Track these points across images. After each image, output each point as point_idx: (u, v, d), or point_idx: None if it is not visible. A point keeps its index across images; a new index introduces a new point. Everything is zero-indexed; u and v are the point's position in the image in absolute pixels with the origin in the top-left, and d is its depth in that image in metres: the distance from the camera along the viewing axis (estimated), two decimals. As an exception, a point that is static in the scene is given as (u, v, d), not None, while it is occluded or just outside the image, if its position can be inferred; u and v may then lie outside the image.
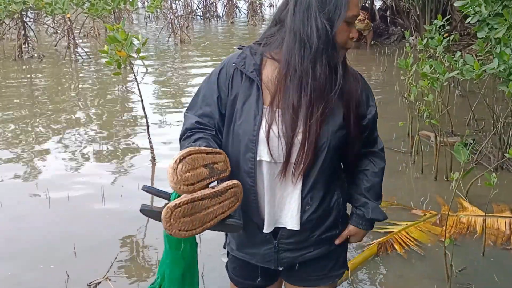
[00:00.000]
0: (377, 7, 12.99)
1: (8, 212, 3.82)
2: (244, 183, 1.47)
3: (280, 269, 1.62)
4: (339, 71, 1.46)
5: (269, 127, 1.44)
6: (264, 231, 1.52)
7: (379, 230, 3.39)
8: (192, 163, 1.31)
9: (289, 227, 1.51)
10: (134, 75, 4.93)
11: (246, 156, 1.47)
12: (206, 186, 1.34)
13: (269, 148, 1.45)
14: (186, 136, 1.54)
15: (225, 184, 1.37)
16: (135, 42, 4.71)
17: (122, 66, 4.62)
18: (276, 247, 1.55)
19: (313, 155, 1.44)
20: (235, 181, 1.40)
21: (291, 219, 1.50)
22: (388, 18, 11.95)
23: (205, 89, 1.57)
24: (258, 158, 1.47)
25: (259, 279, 1.68)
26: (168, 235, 1.36)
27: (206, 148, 1.39)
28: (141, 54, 4.66)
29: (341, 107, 1.48)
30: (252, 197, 1.50)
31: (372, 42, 10.80)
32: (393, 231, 3.38)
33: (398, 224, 3.47)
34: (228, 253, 1.74)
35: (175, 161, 1.29)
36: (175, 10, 14.70)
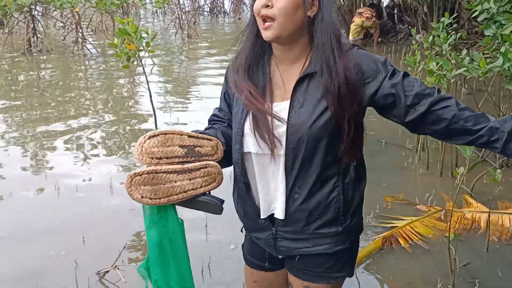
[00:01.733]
0: (385, 4, 12.96)
1: (17, 202, 3.87)
2: (236, 172, 1.57)
3: (280, 257, 1.65)
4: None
5: (255, 119, 1.47)
6: (261, 217, 1.57)
7: (384, 225, 3.42)
8: (164, 141, 1.41)
9: (275, 215, 1.55)
10: (143, 68, 4.96)
11: (235, 147, 1.55)
12: (178, 164, 1.43)
13: (256, 140, 1.48)
14: (205, 127, 1.65)
15: (198, 163, 1.45)
16: (144, 36, 4.74)
17: (132, 59, 4.67)
18: (274, 234, 1.58)
19: (295, 147, 1.45)
20: (210, 162, 1.47)
21: (278, 208, 1.54)
22: (396, 16, 11.93)
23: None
24: (246, 150, 1.52)
25: (266, 263, 1.72)
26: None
27: (191, 132, 1.47)
28: (149, 48, 4.71)
29: (320, 96, 1.44)
30: (241, 185, 1.58)
31: (379, 39, 10.79)
32: (398, 226, 3.40)
33: (403, 219, 3.50)
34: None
35: (144, 137, 1.40)
36: (182, 6, 14.74)
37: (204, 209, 1.52)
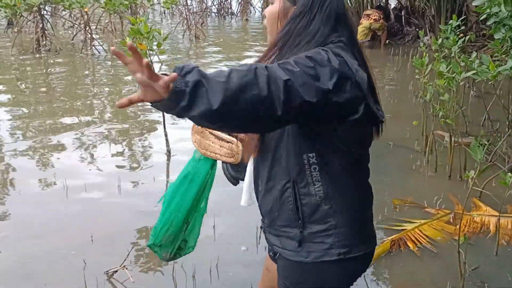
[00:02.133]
0: (392, 6, 12.92)
1: (26, 200, 3.88)
2: None
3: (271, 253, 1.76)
4: None
5: None
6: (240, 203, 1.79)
7: (392, 228, 3.40)
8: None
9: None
10: (153, 68, 4.96)
11: None
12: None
13: None
14: None
15: (228, 136, 1.75)
16: (156, 36, 4.75)
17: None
18: (262, 225, 1.68)
19: (259, 139, 1.54)
20: (234, 139, 1.73)
21: (243, 197, 1.72)
22: (403, 18, 11.88)
23: None
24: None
25: (271, 252, 1.81)
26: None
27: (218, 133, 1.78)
28: (160, 48, 4.72)
29: None
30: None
31: (387, 41, 10.76)
32: (406, 229, 3.38)
33: (411, 222, 3.47)
34: None
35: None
36: (190, 7, 14.74)
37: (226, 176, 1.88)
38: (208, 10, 18.48)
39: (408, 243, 3.24)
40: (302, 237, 1.49)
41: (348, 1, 11.99)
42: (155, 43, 4.65)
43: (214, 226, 3.35)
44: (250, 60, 9.49)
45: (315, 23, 1.44)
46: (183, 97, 1.15)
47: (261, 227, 1.71)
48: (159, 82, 1.14)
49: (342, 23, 1.48)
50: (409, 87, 7.16)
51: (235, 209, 3.38)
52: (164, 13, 18.04)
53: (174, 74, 1.14)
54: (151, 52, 4.63)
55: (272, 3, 1.51)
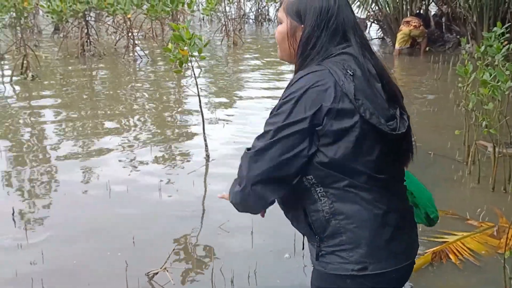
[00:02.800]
0: (432, 13, 12.68)
1: (71, 201, 3.97)
2: None
3: None
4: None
5: None
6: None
7: (434, 239, 3.32)
8: None
9: None
10: (194, 74, 5.02)
11: None
12: None
13: None
14: None
15: None
16: (197, 42, 4.81)
17: (184, 65, 4.76)
18: None
19: None
20: None
21: None
22: (443, 25, 11.65)
23: None
24: None
25: None
26: None
27: None
28: (201, 54, 4.78)
29: None
30: None
31: (427, 48, 10.56)
32: (448, 241, 3.29)
33: (453, 234, 3.38)
34: None
35: None
36: (228, 13, 14.87)
37: None
38: (245, 17, 18.60)
39: (450, 255, 3.15)
40: (320, 250, 1.51)
41: (387, 8, 11.84)
42: (196, 49, 4.71)
43: (252, 232, 3.35)
44: (283, 67, 9.50)
45: (321, 42, 1.49)
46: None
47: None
48: None
49: (351, 36, 1.51)
50: (450, 95, 7.01)
51: (274, 215, 3.37)
52: (203, 19, 18.26)
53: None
54: (192, 58, 4.70)
55: (281, 22, 1.58)
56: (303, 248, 1.75)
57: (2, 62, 9.91)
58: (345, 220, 1.45)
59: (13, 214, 3.67)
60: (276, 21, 18.86)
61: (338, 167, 1.43)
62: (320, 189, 1.46)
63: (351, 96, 1.39)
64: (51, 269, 3.04)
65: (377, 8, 12.28)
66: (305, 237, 1.63)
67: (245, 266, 2.97)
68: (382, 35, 13.26)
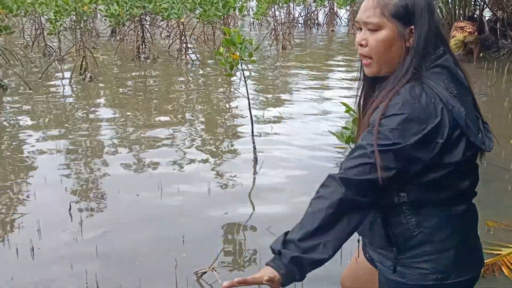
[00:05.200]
0: (486, 18, 12.22)
1: (125, 199, 4.06)
2: None
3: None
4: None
5: None
6: None
7: (486, 251, 3.17)
8: None
9: None
10: (244, 77, 5.04)
11: None
12: None
13: None
14: None
15: None
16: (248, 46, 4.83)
17: (234, 68, 4.80)
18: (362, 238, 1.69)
19: None
20: None
21: None
22: (498, 30, 11.20)
23: None
24: None
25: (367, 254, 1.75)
26: None
27: None
28: (252, 58, 4.80)
29: None
30: None
31: (480, 54, 10.19)
32: (501, 253, 3.13)
33: (507, 246, 3.22)
34: None
35: None
36: (278, 18, 14.89)
37: None
38: (295, 21, 18.56)
39: (503, 268, 3.00)
40: (397, 261, 1.46)
41: (440, 13, 11.50)
42: (246, 53, 4.74)
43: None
44: (336, 74, 9.38)
45: (430, 45, 1.36)
46: (293, 276, 1.29)
47: (358, 240, 1.67)
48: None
49: (441, 38, 1.40)
50: (504, 103, 6.72)
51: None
52: (253, 23, 18.37)
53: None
54: (242, 61, 4.73)
55: (373, 30, 1.36)
56: (357, 257, 1.71)
57: (62, 63, 10.30)
58: (431, 232, 1.41)
59: (69, 209, 3.79)
60: (324, 25, 18.83)
61: (433, 185, 1.38)
62: (407, 206, 1.40)
63: (462, 122, 1.31)
64: (104, 263, 3.11)
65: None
66: (360, 245, 1.60)
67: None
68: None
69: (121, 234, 3.48)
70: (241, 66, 4.87)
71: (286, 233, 1.33)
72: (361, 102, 1.53)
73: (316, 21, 19.14)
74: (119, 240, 3.40)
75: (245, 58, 4.77)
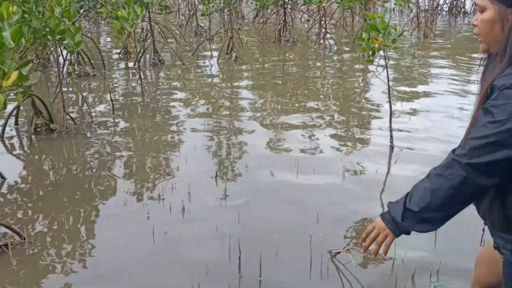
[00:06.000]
0: None
1: (263, 173, 4.20)
2: None
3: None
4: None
5: None
6: None
7: None
8: None
9: None
10: (386, 64, 4.89)
11: None
12: None
13: None
14: None
15: None
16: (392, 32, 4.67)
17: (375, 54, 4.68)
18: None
19: None
20: None
21: None
22: None
23: None
24: None
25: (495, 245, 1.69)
26: None
27: None
28: (395, 45, 4.63)
29: None
30: None
31: None
32: None
33: None
34: None
35: None
36: (421, 4, 14.08)
37: None
38: (439, 9, 17.40)
39: None
40: None
41: None
42: (389, 39, 4.59)
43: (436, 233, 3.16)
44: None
45: None
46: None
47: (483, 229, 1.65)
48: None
49: None
50: None
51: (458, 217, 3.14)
52: (393, 10, 17.60)
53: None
54: (385, 47, 4.58)
55: (481, 11, 1.47)
56: (482, 245, 1.65)
57: (211, 43, 10.88)
58: None
59: (215, 177, 4.04)
60: (472, 13, 17.35)
61: None
62: None
63: None
64: (245, 230, 3.27)
65: None
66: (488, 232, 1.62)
67: (428, 264, 2.83)
68: None
69: (260, 206, 3.63)
70: (384, 52, 4.71)
71: (406, 196, 1.52)
72: (483, 77, 1.57)
73: (462, 9, 17.72)
74: (259, 211, 3.55)
75: (388, 44, 4.62)
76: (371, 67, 8.40)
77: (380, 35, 4.60)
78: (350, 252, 2.87)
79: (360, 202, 3.67)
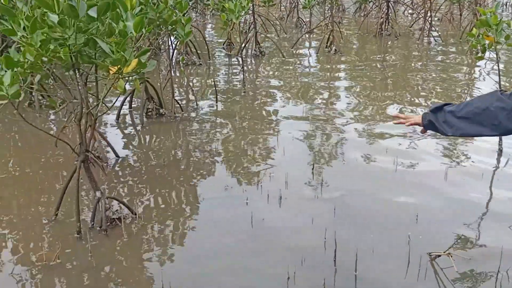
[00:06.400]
0: None
1: (362, 166, 4.12)
2: None
3: None
4: None
5: None
6: None
7: None
8: None
9: None
10: (498, 61, 4.53)
11: None
12: None
13: None
14: None
15: None
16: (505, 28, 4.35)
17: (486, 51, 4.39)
18: None
19: None
20: None
21: None
22: None
23: None
24: None
25: None
26: None
27: None
28: (508, 41, 4.31)
29: None
30: None
31: None
32: None
33: None
34: None
35: None
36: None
37: None
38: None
39: None
40: None
41: None
42: (502, 36, 4.29)
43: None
44: None
45: None
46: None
47: None
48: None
49: None
50: None
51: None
52: (506, 4, 16.26)
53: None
54: (497, 44, 4.28)
55: None
56: None
57: (311, 36, 10.81)
58: None
59: (313, 169, 4.03)
60: None
61: None
62: None
63: None
64: (341, 224, 3.23)
65: None
66: None
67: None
68: None
69: (357, 200, 3.56)
70: (496, 49, 4.40)
71: (446, 104, 1.94)
72: None
73: None
74: (355, 205, 3.49)
75: (500, 41, 4.31)
76: (478, 63, 7.86)
77: (492, 31, 4.32)
78: (451, 256, 2.72)
79: (464, 203, 3.46)
